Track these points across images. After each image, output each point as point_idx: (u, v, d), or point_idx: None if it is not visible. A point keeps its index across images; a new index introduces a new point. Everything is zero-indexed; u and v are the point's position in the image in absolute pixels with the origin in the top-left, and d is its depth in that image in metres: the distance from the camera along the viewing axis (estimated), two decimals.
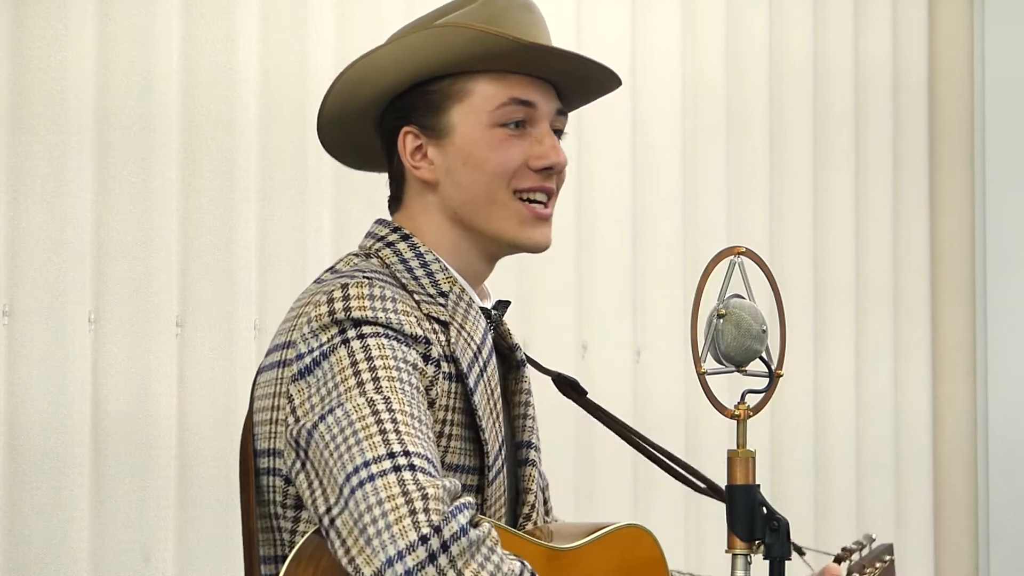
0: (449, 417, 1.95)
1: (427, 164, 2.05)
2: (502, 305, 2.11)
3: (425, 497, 1.74)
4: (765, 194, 4.09)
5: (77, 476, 2.87)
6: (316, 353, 1.90)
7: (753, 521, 1.89)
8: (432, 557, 1.71)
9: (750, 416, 1.93)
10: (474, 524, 1.76)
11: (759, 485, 1.93)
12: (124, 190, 2.97)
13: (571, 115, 2.16)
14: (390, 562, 1.71)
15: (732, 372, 1.93)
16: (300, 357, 1.92)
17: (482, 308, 2.06)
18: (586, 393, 2.20)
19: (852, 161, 4.30)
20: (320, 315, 1.92)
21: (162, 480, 2.98)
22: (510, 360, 2.13)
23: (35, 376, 2.85)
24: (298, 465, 1.88)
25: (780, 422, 4.08)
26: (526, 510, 2.07)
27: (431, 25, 2.05)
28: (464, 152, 2.03)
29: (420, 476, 1.76)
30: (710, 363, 1.93)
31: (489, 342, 2.02)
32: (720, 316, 1.92)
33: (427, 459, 1.79)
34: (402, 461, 1.77)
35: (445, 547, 1.72)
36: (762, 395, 1.94)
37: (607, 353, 3.75)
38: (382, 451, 1.78)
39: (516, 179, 2.03)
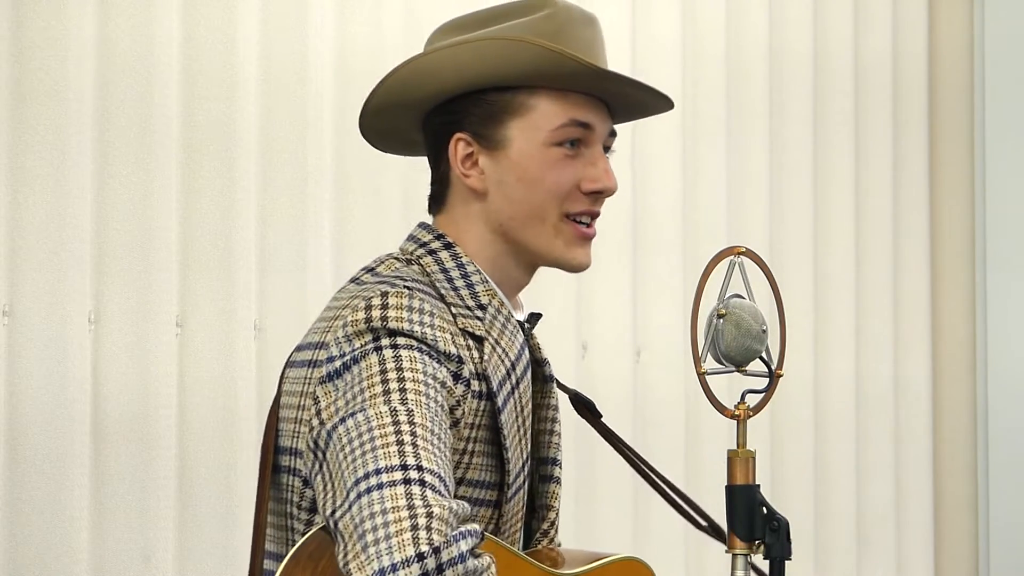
0: (474, 435, 1.94)
1: (477, 173, 2.02)
2: (534, 318, 2.10)
3: (430, 515, 1.72)
4: (765, 194, 4.09)
5: (77, 476, 2.87)
6: (347, 358, 1.88)
7: (753, 521, 1.89)
8: None
9: (750, 416, 1.93)
10: (475, 554, 1.73)
11: (759, 485, 1.92)
12: (124, 190, 2.97)
13: None
14: (382, 572, 1.69)
15: (732, 372, 1.93)
16: (331, 360, 1.90)
17: (518, 322, 2.04)
18: (601, 416, 2.18)
19: (852, 161, 4.30)
20: (356, 320, 1.89)
21: (162, 480, 2.98)
22: (538, 374, 2.11)
23: (35, 376, 2.85)
24: (316, 467, 1.87)
25: (780, 422, 4.08)
26: (545, 526, 2.06)
27: (493, 35, 2.01)
28: (519, 167, 2.01)
29: (429, 493, 1.74)
30: (710, 363, 1.93)
31: (525, 357, 2.01)
32: (720, 316, 1.91)
33: (440, 478, 1.76)
34: (414, 475, 1.75)
35: (440, 570, 1.69)
36: (762, 395, 1.93)
37: (607, 353, 3.75)
38: (396, 462, 1.76)
39: (568, 202, 2.02)
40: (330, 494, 1.82)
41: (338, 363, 1.89)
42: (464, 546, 1.71)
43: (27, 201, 2.86)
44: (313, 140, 3.23)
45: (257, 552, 1.96)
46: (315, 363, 1.93)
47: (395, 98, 2.05)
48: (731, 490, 1.91)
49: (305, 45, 3.23)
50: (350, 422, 1.82)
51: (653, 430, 3.78)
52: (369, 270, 2.02)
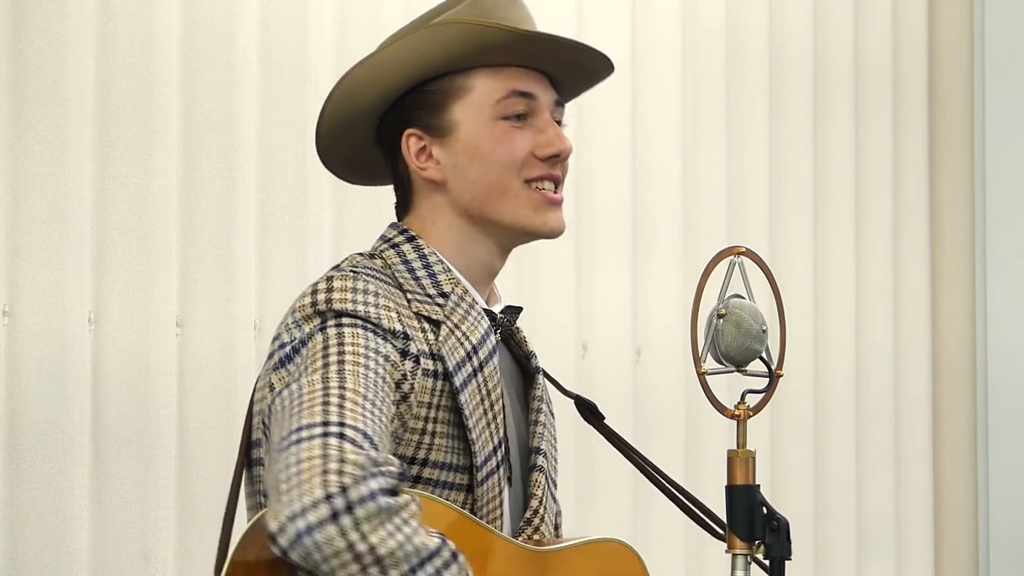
0: (433, 414, 1.97)
1: (433, 164, 2.07)
2: (512, 311, 2.12)
3: (342, 461, 1.73)
4: (765, 194, 4.09)
5: (77, 476, 2.87)
6: (296, 341, 1.95)
7: (753, 521, 1.89)
8: (335, 516, 1.70)
9: (750, 416, 1.93)
10: (393, 492, 1.74)
11: (759, 485, 1.93)
12: (124, 190, 2.97)
13: (570, 115, 2.17)
14: (293, 517, 1.70)
15: (732, 372, 1.93)
16: (283, 347, 1.97)
17: (487, 311, 2.07)
18: (604, 418, 2.20)
19: (852, 161, 4.30)
20: (304, 305, 1.97)
21: (162, 480, 2.98)
22: (527, 368, 2.14)
23: (35, 376, 2.85)
24: (266, 445, 1.90)
25: (780, 422, 4.08)
26: (528, 514, 2.07)
27: (425, 26, 2.06)
28: (470, 147, 2.05)
29: (346, 444, 1.76)
30: (710, 363, 1.93)
31: (490, 344, 2.03)
32: (720, 316, 1.92)
33: (365, 435, 1.79)
34: (334, 430, 1.78)
35: (350, 508, 1.70)
36: (762, 395, 1.94)
37: (607, 353, 3.75)
38: (318, 419, 1.79)
39: (525, 169, 2.05)
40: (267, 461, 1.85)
41: (288, 348, 1.95)
42: (375, 484, 1.72)
43: (27, 201, 2.86)
44: (313, 140, 3.23)
45: (225, 542, 1.98)
46: (271, 354, 1.99)
47: (345, 112, 2.10)
48: (731, 490, 1.91)
49: (305, 45, 3.23)
50: (285, 392, 1.86)
51: (653, 430, 3.78)
52: (335, 267, 2.08)
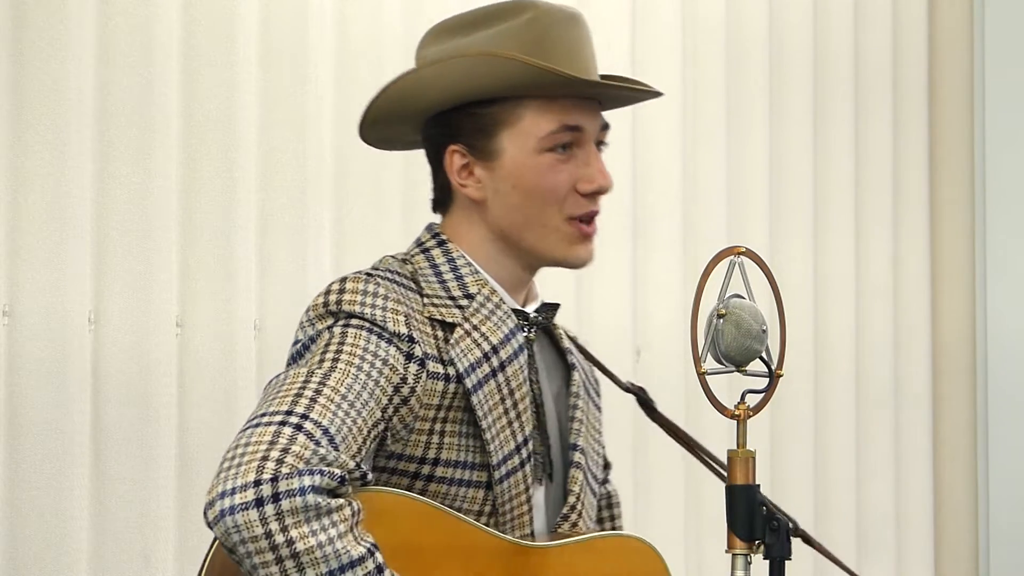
0: (442, 415, 1.98)
1: (474, 182, 2.08)
2: (548, 308, 2.13)
3: (286, 451, 1.75)
4: (765, 194, 4.08)
5: (77, 476, 2.87)
6: (306, 339, 1.98)
7: (753, 521, 1.89)
8: (259, 502, 1.72)
9: (750, 416, 1.93)
10: (329, 493, 1.75)
11: (759, 485, 1.93)
12: (124, 190, 2.97)
13: None
14: (222, 495, 1.73)
15: (732, 372, 1.93)
16: (295, 344, 2.00)
17: (517, 310, 2.08)
18: (654, 405, 2.21)
19: (852, 160, 4.30)
20: (317, 305, 1.99)
21: (162, 480, 2.97)
22: (561, 364, 2.17)
23: (35, 376, 2.85)
24: None
25: (780, 422, 4.07)
26: (564, 510, 2.08)
27: (477, 49, 2.04)
28: (514, 176, 2.06)
29: (300, 436, 1.77)
30: (710, 363, 1.93)
31: (516, 343, 2.04)
32: (720, 316, 1.92)
33: (325, 431, 1.80)
34: (293, 420, 1.80)
35: (276, 498, 1.72)
36: (762, 395, 1.94)
37: (607, 353, 3.73)
38: (284, 408, 1.82)
39: (568, 205, 2.07)
40: None
41: (299, 346, 1.98)
42: (308, 480, 1.73)
43: (27, 201, 2.86)
44: (313, 140, 3.23)
45: None
46: (289, 356, 2.02)
47: (387, 114, 2.11)
48: (731, 490, 1.91)
49: (305, 44, 3.23)
50: (273, 381, 1.91)
51: (653, 430, 3.77)
52: (358, 271, 2.08)
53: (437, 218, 2.17)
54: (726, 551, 1.91)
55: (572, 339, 2.24)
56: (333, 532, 1.74)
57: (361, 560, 1.75)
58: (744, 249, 1.94)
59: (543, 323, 2.12)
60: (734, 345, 1.91)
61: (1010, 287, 4.47)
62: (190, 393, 3.04)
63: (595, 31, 3.71)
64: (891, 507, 4.35)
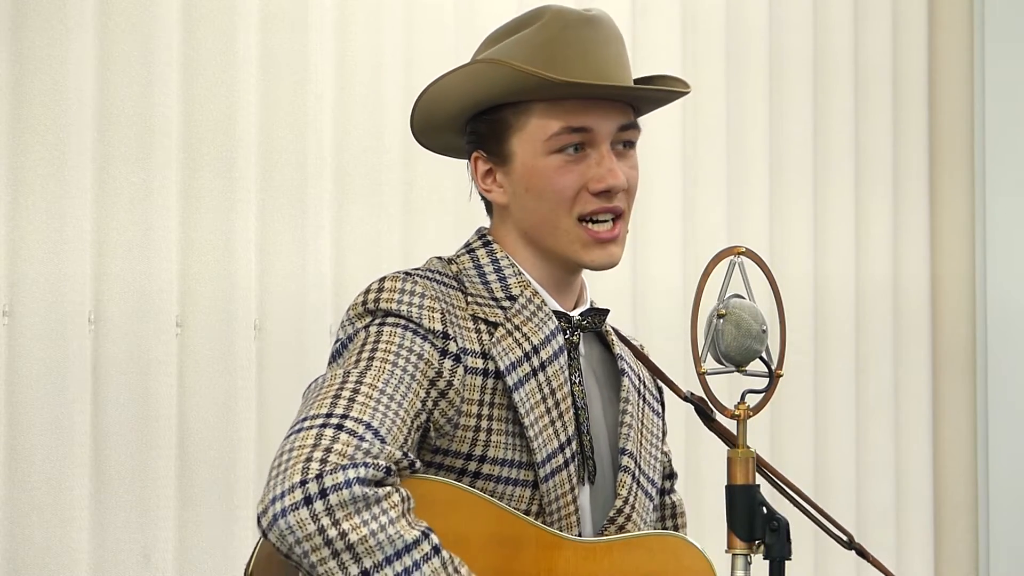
0: (487, 412, 2.00)
1: (497, 188, 2.11)
2: (596, 312, 2.14)
3: (328, 450, 1.77)
4: (765, 194, 4.09)
5: (77, 476, 2.87)
6: (345, 338, 2.00)
7: (753, 521, 1.89)
8: (308, 500, 1.74)
9: (750, 416, 1.93)
10: (378, 484, 1.77)
11: (759, 485, 1.93)
12: (124, 190, 2.97)
13: None
14: (273, 500, 1.75)
15: (732, 372, 1.93)
16: (336, 342, 2.03)
17: (559, 313, 2.09)
18: (713, 416, 2.20)
19: (852, 161, 4.30)
20: (356, 304, 2.02)
21: (162, 480, 2.98)
22: (612, 369, 2.17)
23: (35, 376, 2.85)
24: None
25: (780, 422, 4.07)
26: (612, 513, 2.08)
27: (484, 57, 2.08)
28: (525, 179, 2.08)
29: (342, 435, 1.80)
30: (710, 363, 1.93)
31: (556, 344, 2.06)
32: (720, 316, 1.92)
33: (368, 426, 1.83)
34: (334, 421, 1.82)
35: (323, 494, 1.74)
36: (762, 395, 1.94)
37: None
38: (324, 411, 1.84)
39: (578, 205, 2.07)
40: None
41: (338, 344, 2.01)
42: (352, 473, 1.76)
43: (27, 201, 2.86)
44: (313, 140, 3.23)
45: None
46: (330, 354, 2.05)
47: (424, 125, 2.16)
48: (731, 490, 1.91)
49: (305, 45, 3.23)
50: (312, 385, 1.93)
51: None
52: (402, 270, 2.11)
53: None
54: (726, 551, 1.91)
55: (635, 347, 2.23)
56: (384, 519, 1.76)
57: (416, 543, 1.77)
58: (744, 249, 1.94)
59: (588, 327, 2.13)
60: (734, 345, 1.91)
61: (1010, 287, 4.47)
62: (190, 393, 3.04)
63: None
64: (891, 507, 4.35)
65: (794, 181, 4.17)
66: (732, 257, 1.94)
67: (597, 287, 3.71)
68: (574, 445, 2.05)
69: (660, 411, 2.25)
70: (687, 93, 2.19)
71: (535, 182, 2.07)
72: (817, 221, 4.22)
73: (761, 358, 1.94)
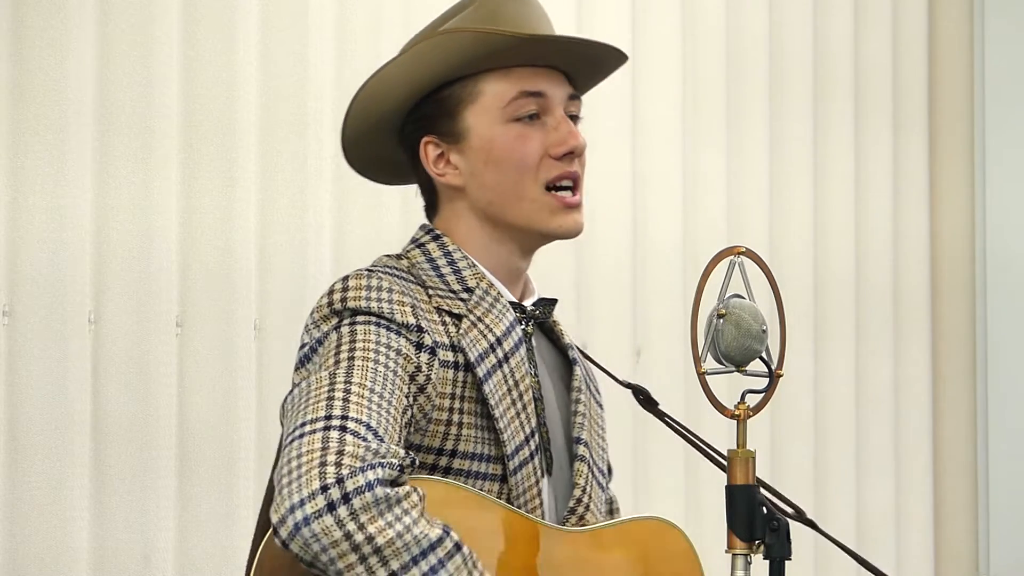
0: (458, 405, 1.99)
1: (451, 170, 2.09)
2: (545, 303, 2.14)
3: (341, 453, 1.76)
4: (765, 194, 4.09)
5: (77, 476, 2.87)
6: (314, 341, 1.98)
7: (753, 521, 1.89)
8: (331, 506, 1.73)
9: (750, 416, 1.93)
10: (393, 483, 1.76)
11: (759, 485, 1.93)
12: (124, 190, 2.97)
13: None
14: (292, 509, 1.73)
15: (732, 372, 1.93)
16: (302, 347, 1.99)
17: (515, 303, 2.09)
18: (658, 404, 2.21)
19: (852, 161, 4.30)
20: (321, 306, 1.99)
21: (162, 480, 2.98)
22: (564, 359, 2.17)
23: (35, 376, 2.85)
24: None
25: (780, 422, 4.07)
26: (571, 504, 2.08)
27: (434, 34, 2.07)
28: (484, 152, 2.07)
29: (347, 436, 1.78)
30: (710, 363, 1.93)
31: (516, 335, 2.05)
32: (720, 316, 1.92)
33: (367, 426, 1.82)
34: (335, 423, 1.81)
35: (346, 498, 1.73)
36: (762, 395, 1.94)
37: (607, 353, 3.74)
38: (322, 413, 1.82)
39: (542, 171, 2.08)
40: None
41: (307, 348, 1.98)
42: (372, 475, 1.75)
43: (27, 201, 2.86)
44: (313, 140, 3.23)
45: (258, 542, 2.00)
46: (296, 360, 2.02)
47: (364, 124, 2.12)
48: (731, 490, 1.91)
49: (305, 45, 3.23)
50: (295, 390, 1.90)
51: (653, 430, 3.78)
52: (358, 268, 2.08)
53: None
54: (726, 551, 1.90)
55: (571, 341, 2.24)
56: (407, 520, 1.75)
57: (440, 541, 1.77)
58: (744, 249, 1.94)
59: (540, 318, 2.13)
60: (734, 345, 1.91)
61: (1010, 287, 4.47)
62: (190, 393, 3.04)
63: (595, 32, 3.73)
64: (891, 507, 4.35)
65: (794, 181, 4.17)
66: (732, 257, 1.94)
67: (597, 287, 3.72)
68: (537, 436, 2.05)
69: (601, 403, 2.25)
70: (624, 61, 2.18)
71: (496, 152, 2.06)
72: (817, 221, 4.22)
73: (761, 358, 1.93)
